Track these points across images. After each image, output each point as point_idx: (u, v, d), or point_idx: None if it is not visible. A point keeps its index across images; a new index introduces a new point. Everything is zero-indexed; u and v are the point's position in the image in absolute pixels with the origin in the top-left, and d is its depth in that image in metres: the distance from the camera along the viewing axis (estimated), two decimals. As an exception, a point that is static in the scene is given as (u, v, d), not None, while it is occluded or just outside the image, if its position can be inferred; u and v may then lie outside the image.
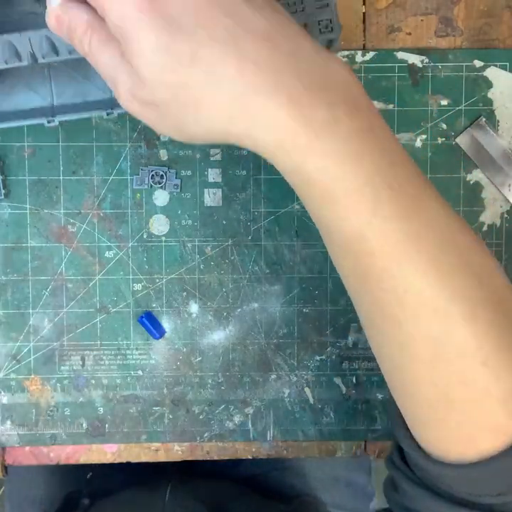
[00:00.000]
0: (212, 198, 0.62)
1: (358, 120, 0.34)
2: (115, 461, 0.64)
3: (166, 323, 0.62)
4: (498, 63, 0.61)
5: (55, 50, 0.42)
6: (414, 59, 0.61)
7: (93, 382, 0.62)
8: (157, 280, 0.62)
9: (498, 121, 0.62)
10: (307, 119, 0.33)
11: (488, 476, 0.39)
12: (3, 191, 0.60)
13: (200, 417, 0.63)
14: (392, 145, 0.36)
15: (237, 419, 0.63)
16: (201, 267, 0.62)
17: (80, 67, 0.45)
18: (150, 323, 0.61)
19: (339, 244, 0.37)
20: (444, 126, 0.62)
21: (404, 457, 0.44)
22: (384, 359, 0.40)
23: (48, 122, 0.45)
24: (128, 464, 0.64)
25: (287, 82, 0.34)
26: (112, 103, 0.45)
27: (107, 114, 0.44)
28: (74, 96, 0.45)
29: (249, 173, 0.62)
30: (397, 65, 0.61)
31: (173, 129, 0.37)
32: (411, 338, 0.37)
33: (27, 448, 0.63)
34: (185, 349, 0.63)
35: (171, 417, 0.63)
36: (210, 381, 0.63)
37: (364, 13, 0.61)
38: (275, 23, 0.35)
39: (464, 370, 0.37)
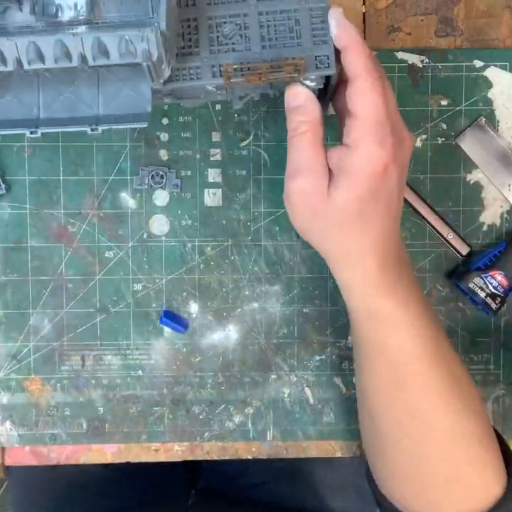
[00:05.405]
0: (212, 198, 0.62)
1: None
2: (115, 461, 0.64)
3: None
4: (498, 63, 0.61)
5: (42, 58, 0.41)
6: (414, 59, 0.61)
7: (93, 382, 0.62)
8: (157, 280, 0.62)
9: (498, 121, 0.62)
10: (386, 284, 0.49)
11: None
12: (3, 185, 0.60)
13: (200, 417, 0.63)
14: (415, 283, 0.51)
15: (237, 419, 0.63)
16: (201, 267, 0.62)
17: (69, 81, 0.44)
18: (171, 320, 0.61)
19: (383, 356, 0.49)
20: (444, 126, 0.62)
21: None
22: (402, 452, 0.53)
23: (31, 133, 0.45)
24: (141, 483, 0.64)
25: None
26: (97, 120, 0.45)
27: (91, 130, 0.44)
28: (61, 110, 0.45)
29: (249, 173, 0.62)
30: (397, 65, 0.61)
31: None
32: (430, 453, 0.51)
33: (27, 448, 0.63)
34: (185, 349, 0.63)
35: (171, 417, 0.63)
36: (210, 381, 0.63)
37: (364, 13, 0.61)
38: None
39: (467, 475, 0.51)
